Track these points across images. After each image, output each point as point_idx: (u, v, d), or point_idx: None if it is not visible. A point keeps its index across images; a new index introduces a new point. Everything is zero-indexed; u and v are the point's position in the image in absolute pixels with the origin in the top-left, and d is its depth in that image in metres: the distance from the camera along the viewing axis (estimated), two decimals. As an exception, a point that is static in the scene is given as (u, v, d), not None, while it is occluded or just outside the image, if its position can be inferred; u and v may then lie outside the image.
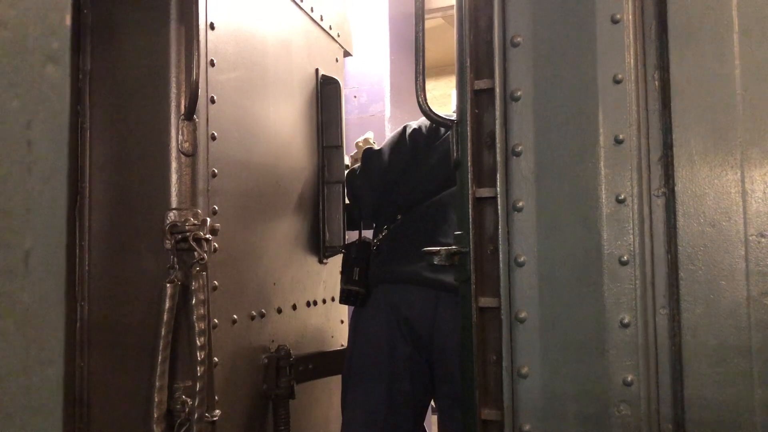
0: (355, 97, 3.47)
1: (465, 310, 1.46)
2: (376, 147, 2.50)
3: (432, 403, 2.42)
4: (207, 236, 1.67)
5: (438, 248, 1.51)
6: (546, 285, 1.36)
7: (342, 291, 2.42)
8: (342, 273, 2.48)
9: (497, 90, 1.41)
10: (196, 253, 1.63)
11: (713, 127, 1.30)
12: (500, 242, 1.38)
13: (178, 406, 1.63)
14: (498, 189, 1.40)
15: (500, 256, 1.38)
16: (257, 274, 2.14)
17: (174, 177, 1.69)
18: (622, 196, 1.33)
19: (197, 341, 1.62)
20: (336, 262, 2.72)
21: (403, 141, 2.39)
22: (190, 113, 1.69)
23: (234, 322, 1.95)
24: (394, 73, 3.49)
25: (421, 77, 1.58)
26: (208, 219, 1.70)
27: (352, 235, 2.63)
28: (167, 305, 1.59)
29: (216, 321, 1.82)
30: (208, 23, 1.85)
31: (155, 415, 1.57)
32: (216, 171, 1.84)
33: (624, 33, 1.35)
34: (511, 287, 1.38)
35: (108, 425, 1.68)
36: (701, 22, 1.31)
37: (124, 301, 1.70)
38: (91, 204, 1.72)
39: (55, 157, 0.71)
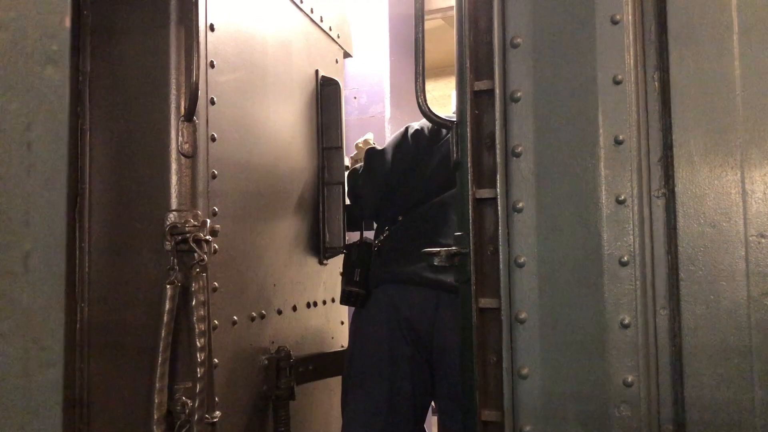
0: (355, 98, 3.48)
1: (465, 310, 1.46)
2: (378, 148, 2.50)
3: (432, 403, 2.42)
4: (207, 237, 1.67)
5: (438, 249, 1.51)
6: (546, 286, 1.36)
7: (343, 292, 2.42)
8: (343, 274, 2.48)
9: (497, 91, 1.41)
10: (196, 255, 1.63)
11: (713, 127, 1.30)
12: (500, 243, 1.38)
13: (178, 408, 1.63)
14: (498, 190, 1.40)
15: (500, 256, 1.38)
16: (257, 276, 2.14)
17: (174, 178, 1.69)
18: (622, 197, 1.32)
19: (197, 342, 1.62)
20: (336, 263, 2.72)
21: (405, 141, 2.38)
22: (190, 114, 1.69)
23: (234, 323, 1.95)
24: (394, 74, 3.49)
25: (420, 78, 1.58)
26: (208, 220, 1.71)
27: (352, 237, 2.63)
28: (167, 306, 1.59)
29: (216, 322, 1.82)
30: (208, 25, 1.85)
31: (155, 417, 1.57)
32: (216, 172, 1.84)
33: (624, 34, 1.35)
34: (511, 288, 1.38)
35: (108, 426, 1.68)
36: (701, 22, 1.31)
37: (124, 302, 1.70)
38: (91, 205, 1.72)
39: (54, 158, 0.71)
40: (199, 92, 1.68)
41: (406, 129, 2.42)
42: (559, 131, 1.37)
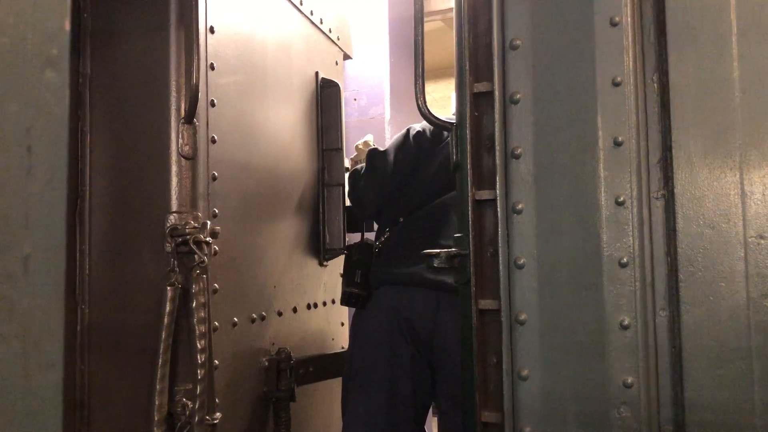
0: (355, 99, 3.48)
1: (465, 312, 1.46)
2: (380, 149, 2.50)
3: (432, 404, 2.42)
4: (207, 239, 1.67)
5: (438, 250, 1.51)
6: (546, 287, 1.36)
7: (343, 293, 2.42)
8: (343, 275, 2.48)
9: (496, 93, 1.41)
10: (196, 256, 1.63)
11: (712, 129, 1.30)
12: (500, 244, 1.38)
13: (179, 409, 1.63)
14: (498, 191, 1.40)
15: (500, 258, 1.38)
16: (257, 277, 2.14)
17: (174, 180, 1.69)
18: (622, 199, 1.33)
19: (198, 344, 1.62)
20: (336, 264, 2.72)
21: (407, 143, 2.38)
22: (190, 117, 1.70)
23: (234, 324, 1.95)
24: (394, 76, 3.49)
25: (420, 80, 1.58)
26: (209, 222, 1.71)
27: (352, 238, 2.64)
28: (168, 308, 1.59)
29: (216, 324, 1.82)
30: (208, 27, 1.85)
31: (156, 418, 1.57)
32: (216, 174, 1.85)
33: (623, 35, 1.35)
34: (511, 289, 1.38)
35: (108, 428, 1.68)
36: (700, 24, 1.32)
37: (124, 304, 1.70)
38: (91, 207, 1.73)
39: (54, 161, 0.71)
40: (200, 94, 1.69)
41: (408, 130, 2.42)
42: (559, 133, 1.37)
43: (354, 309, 2.45)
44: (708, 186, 1.29)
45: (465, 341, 1.46)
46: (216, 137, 1.86)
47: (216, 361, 1.78)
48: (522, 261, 1.37)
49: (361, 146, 2.68)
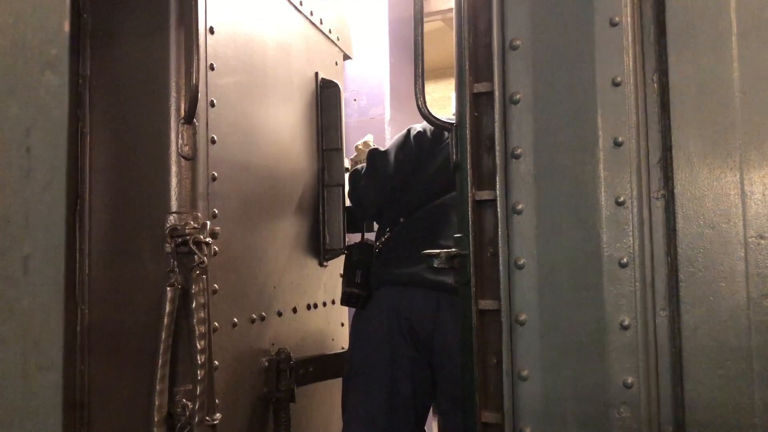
0: (354, 100, 3.48)
1: (465, 312, 1.46)
2: (381, 149, 2.50)
3: (433, 405, 2.42)
4: (207, 240, 1.67)
5: (438, 251, 1.51)
6: (546, 287, 1.36)
7: (344, 293, 2.42)
8: (343, 275, 2.48)
9: (496, 93, 1.41)
10: (196, 257, 1.63)
11: (712, 129, 1.30)
12: (500, 245, 1.38)
13: (179, 410, 1.63)
14: (497, 191, 1.40)
15: (500, 258, 1.38)
16: (257, 278, 2.14)
17: (174, 180, 1.69)
18: (622, 199, 1.33)
19: (197, 345, 1.62)
20: (336, 264, 2.72)
21: (408, 143, 2.38)
22: (189, 117, 1.70)
23: (234, 325, 1.95)
24: (394, 76, 3.49)
25: (420, 80, 1.58)
26: (208, 222, 1.71)
27: (352, 238, 2.64)
28: (167, 309, 1.59)
29: (216, 324, 1.82)
30: (208, 27, 1.85)
31: (156, 419, 1.57)
32: (216, 174, 1.85)
33: (623, 36, 1.35)
34: (511, 290, 1.38)
35: (108, 429, 1.68)
36: (699, 24, 1.32)
37: (124, 304, 1.70)
38: (91, 208, 1.73)
39: (53, 162, 0.71)
40: (199, 95, 1.69)
41: (409, 131, 2.42)
42: (559, 133, 1.37)
43: (354, 309, 2.45)
44: (708, 186, 1.29)
45: (465, 341, 1.46)
46: (216, 137, 1.86)
47: (216, 362, 1.78)
48: (522, 261, 1.37)
49: (361, 146, 2.68)
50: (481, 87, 1.46)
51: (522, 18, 1.41)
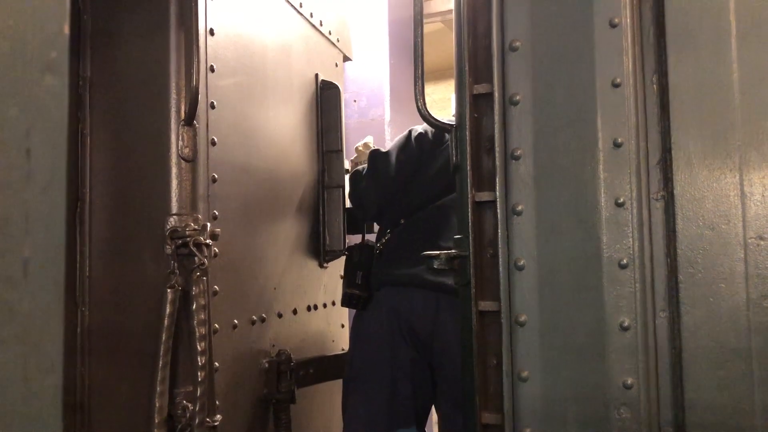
0: (354, 101, 3.48)
1: (465, 313, 1.46)
2: (382, 150, 2.49)
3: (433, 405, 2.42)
4: (207, 241, 1.67)
5: (438, 252, 1.52)
6: (546, 288, 1.36)
7: (344, 294, 2.42)
8: (344, 276, 2.48)
9: (496, 94, 1.41)
10: (196, 258, 1.63)
11: (712, 130, 1.30)
12: (500, 246, 1.39)
13: (179, 412, 1.63)
14: (497, 193, 1.40)
15: (500, 259, 1.39)
16: (258, 279, 2.14)
17: (174, 182, 1.69)
18: (621, 200, 1.33)
19: (198, 346, 1.62)
20: (336, 266, 2.72)
21: (409, 144, 2.38)
22: (190, 119, 1.70)
23: (234, 326, 1.95)
24: (394, 78, 3.49)
25: (420, 82, 1.58)
26: (209, 224, 1.71)
27: (352, 239, 2.64)
28: (168, 310, 1.59)
29: (217, 326, 1.82)
30: (208, 29, 1.85)
31: (156, 421, 1.57)
32: (216, 176, 1.85)
33: (622, 37, 1.35)
34: (511, 291, 1.38)
35: (109, 431, 1.68)
36: (699, 25, 1.32)
37: (124, 306, 1.70)
38: (91, 209, 1.73)
39: (53, 165, 0.72)
40: (199, 96, 1.69)
41: (410, 132, 2.42)
42: (558, 134, 1.37)
43: (354, 311, 2.45)
44: (708, 187, 1.29)
45: (465, 343, 1.46)
46: (216, 139, 1.86)
47: (216, 363, 1.78)
48: (522, 262, 1.37)
49: (361, 148, 2.68)
50: (480, 88, 1.46)
51: (521, 19, 1.41)
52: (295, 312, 2.41)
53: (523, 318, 1.36)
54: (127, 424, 1.66)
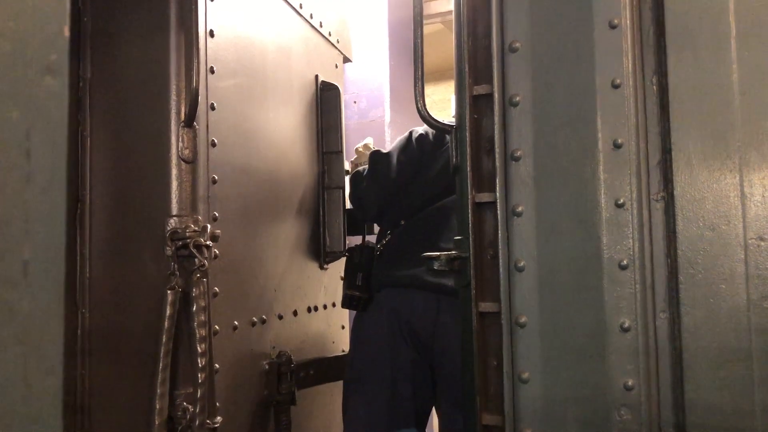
0: (354, 102, 3.48)
1: (465, 315, 1.46)
2: (383, 151, 2.49)
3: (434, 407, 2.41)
4: (207, 243, 1.67)
5: (438, 253, 1.52)
6: (546, 289, 1.36)
7: (345, 295, 2.42)
8: (344, 278, 2.48)
9: (496, 95, 1.41)
10: (196, 260, 1.63)
11: (712, 130, 1.30)
12: (500, 247, 1.38)
13: (179, 413, 1.63)
14: (497, 194, 1.40)
15: (500, 260, 1.38)
16: (258, 281, 2.14)
17: (174, 184, 1.69)
18: (622, 201, 1.33)
19: (198, 348, 1.62)
20: (336, 267, 2.72)
21: (410, 145, 2.38)
22: (190, 120, 1.70)
23: (235, 328, 1.95)
24: (394, 79, 3.49)
25: (419, 83, 1.58)
26: (209, 225, 1.71)
27: (353, 241, 2.64)
28: (168, 312, 1.59)
29: (217, 327, 1.82)
30: (208, 30, 1.85)
31: (156, 422, 1.57)
32: (216, 177, 1.85)
33: (622, 38, 1.35)
34: (511, 292, 1.38)
35: (109, 432, 1.68)
36: (699, 26, 1.32)
37: (124, 307, 1.70)
38: (91, 211, 1.73)
39: (53, 166, 0.72)
40: (199, 98, 1.69)
41: (411, 133, 2.42)
42: (558, 135, 1.37)
43: (354, 312, 2.45)
44: (708, 188, 1.29)
45: (465, 344, 1.46)
46: (216, 140, 1.86)
47: (216, 365, 1.78)
48: (522, 263, 1.37)
49: (361, 149, 2.68)
50: (480, 89, 1.46)
51: (521, 20, 1.41)
52: (295, 313, 2.41)
53: (523, 319, 1.36)
54: (127, 425, 1.66)
